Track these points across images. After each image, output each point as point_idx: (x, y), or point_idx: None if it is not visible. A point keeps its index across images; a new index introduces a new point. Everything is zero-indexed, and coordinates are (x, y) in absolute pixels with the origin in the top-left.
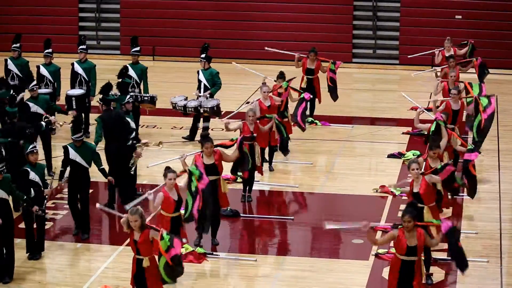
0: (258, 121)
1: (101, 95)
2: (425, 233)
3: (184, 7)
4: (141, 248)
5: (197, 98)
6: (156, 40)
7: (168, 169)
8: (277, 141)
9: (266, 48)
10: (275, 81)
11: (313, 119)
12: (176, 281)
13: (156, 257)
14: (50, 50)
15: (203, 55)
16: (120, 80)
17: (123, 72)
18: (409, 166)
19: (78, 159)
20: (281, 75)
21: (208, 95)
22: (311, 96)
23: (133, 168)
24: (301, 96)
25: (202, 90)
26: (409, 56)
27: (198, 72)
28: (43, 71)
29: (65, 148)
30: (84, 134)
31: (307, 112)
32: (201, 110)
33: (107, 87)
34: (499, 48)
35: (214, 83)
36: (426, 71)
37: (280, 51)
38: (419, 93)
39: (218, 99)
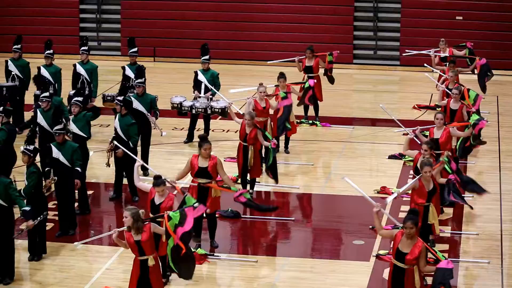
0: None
1: (77, 98)
2: (423, 251)
3: (185, 8)
4: (145, 247)
5: (195, 99)
6: (157, 41)
7: (157, 179)
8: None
9: (268, 62)
10: (276, 85)
11: (313, 121)
12: (184, 277)
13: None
14: (51, 51)
15: (206, 56)
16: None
17: (125, 74)
18: (422, 167)
19: (61, 157)
20: (282, 75)
21: (210, 96)
22: (315, 81)
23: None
24: (306, 85)
25: (202, 91)
26: (405, 53)
27: (196, 73)
28: (44, 72)
29: (48, 147)
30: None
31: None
32: (209, 111)
33: (80, 90)
34: (500, 49)
35: (214, 85)
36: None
37: (280, 60)
38: (420, 94)
39: (229, 100)
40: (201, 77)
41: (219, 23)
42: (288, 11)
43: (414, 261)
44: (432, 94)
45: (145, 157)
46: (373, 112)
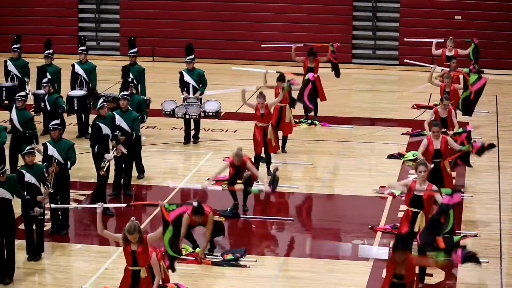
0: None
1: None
2: (416, 259)
3: (183, 8)
4: (139, 258)
5: (184, 101)
6: (156, 41)
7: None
8: (275, 148)
9: (262, 45)
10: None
11: (312, 120)
12: (182, 254)
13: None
14: (50, 51)
15: (191, 56)
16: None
17: (127, 73)
18: (417, 167)
19: (56, 154)
20: (281, 78)
21: (199, 96)
22: (315, 75)
23: (104, 168)
24: (306, 78)
25: (191, 91)
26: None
27: (181, 74)
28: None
29: (44, 145)
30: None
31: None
32: (202, 115)
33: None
34: (499, 48)
35: (201, 83)
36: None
37: (276, 45)
38: (420, 94)
39: (218, 101)
40: (187, 77)
41: (218, 23)
42: (287, 10)
43: (410, 278)
44: (431, 94)
45: (137, 160)
46: (372, 112)
